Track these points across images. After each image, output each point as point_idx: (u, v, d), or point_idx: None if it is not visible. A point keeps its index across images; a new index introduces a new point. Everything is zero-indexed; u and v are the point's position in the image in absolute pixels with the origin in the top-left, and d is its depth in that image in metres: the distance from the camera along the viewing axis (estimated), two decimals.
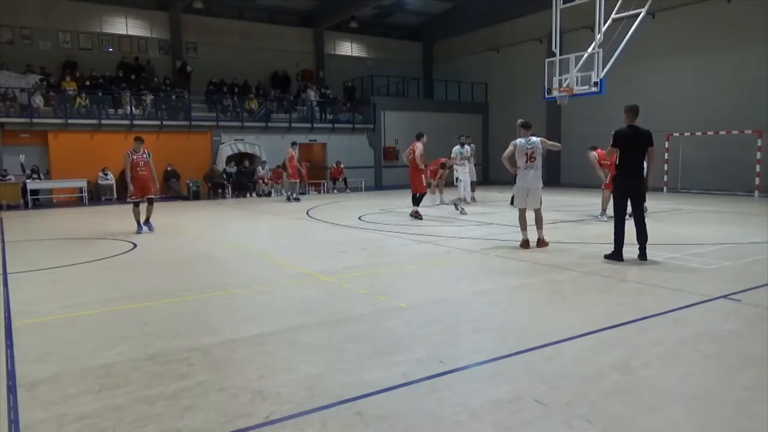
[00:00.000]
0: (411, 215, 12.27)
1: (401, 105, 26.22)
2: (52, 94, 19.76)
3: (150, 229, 10.90)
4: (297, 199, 18.24)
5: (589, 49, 13.89)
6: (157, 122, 20.92)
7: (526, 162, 8.04)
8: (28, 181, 18.20)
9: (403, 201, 16.83)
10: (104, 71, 21.83)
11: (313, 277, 6.62)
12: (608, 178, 10.90)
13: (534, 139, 8.10)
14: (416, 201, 12.39)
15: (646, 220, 7.28)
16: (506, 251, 8.07)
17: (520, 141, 8.14)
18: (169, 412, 3.11)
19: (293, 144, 18.70)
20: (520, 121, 8.72)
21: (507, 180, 23.99)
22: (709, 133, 18.24)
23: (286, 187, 19.07)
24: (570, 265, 7.01)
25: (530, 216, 8.26)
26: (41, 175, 18.75)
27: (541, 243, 8.03)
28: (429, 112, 25.96)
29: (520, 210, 8.34)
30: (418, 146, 12.29)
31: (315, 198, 20.40)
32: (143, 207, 11.01)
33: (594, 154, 11.48)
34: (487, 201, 16.92)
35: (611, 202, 10.94)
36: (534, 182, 8.06)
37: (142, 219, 10.94)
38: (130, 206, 11.03)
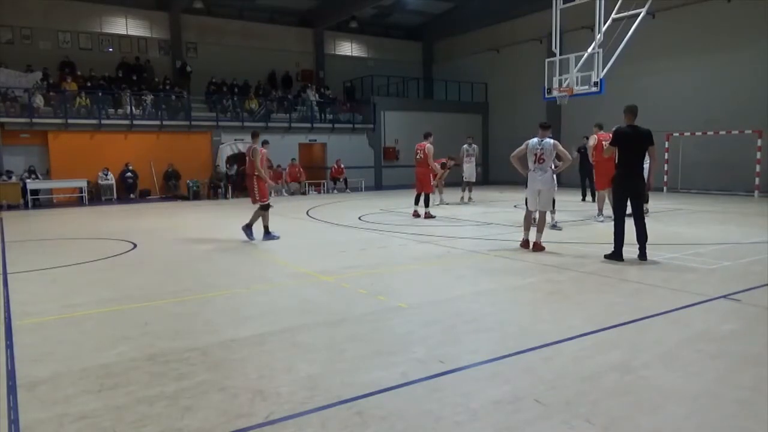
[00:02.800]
0: (425, 216, 12.27)
1: (401, 105, 26.23)
2: (52, 94, 19.78)
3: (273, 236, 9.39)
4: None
5: (589, 49, 13.88)
6: (157, 122, 20.94)
7: (535, 162, 8.01)
8: (28, 181, 18.22)
9: (403, 201, 16.85)
10: (104, 71, 21.83)
11: (313, 277, 6.62)
12: (598, 162, 10.89)
13: (547, 140, 7.99)
14: (426, 201, 12.45)
15: (646, 220, 7.29)
16: (506, 251, 8.07)
17: (532, 141, 8.08)
18: (169, 412, 3.11)
19: (266, 143, 16.12)
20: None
21: (507, 180, 24.06)
22: (709, 133, 18.24)
23: (273, 188, 15.84)
24: (570, 265, 7.01)
25: (535, 217, 8.22)
26: (39, 175, 18.75)
27: (537, 247, 7.97)
28: (429, 112, 25.98)
29: (527, 210, 8.32)
30: (430, 147, 12.31)
31: (315, 198, 20.40)
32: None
33: (594, 137, 11.16)
34: (487, 201, 16.93)
35: (608, 201, 11.01)
36: (544, 183, 7.97)
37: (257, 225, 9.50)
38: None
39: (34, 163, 18.97)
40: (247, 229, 9.44)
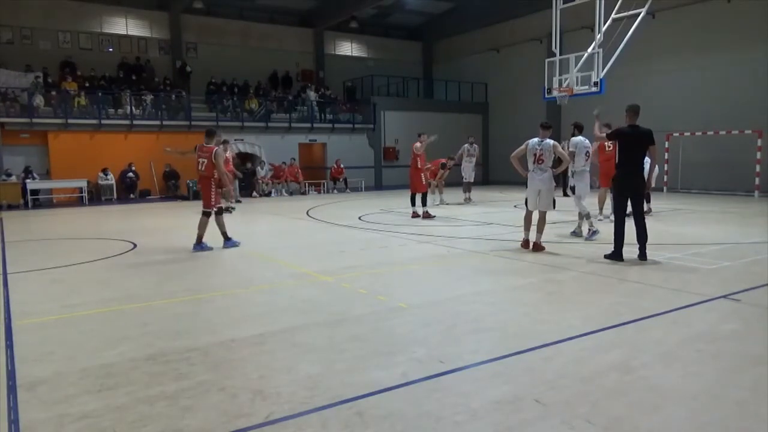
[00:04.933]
0: (424, 216, 12.25)
1: (401, 105, 26.23)
2: (53, 93, 19.78)
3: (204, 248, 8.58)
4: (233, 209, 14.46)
5: (589, 49, 13.88)
6: (157, 122, 20.94)
7: (534, 163, 8.01)
8: (28, 181, 18.21)
9: (403, 201, 16.83)
10: (104, 71, 21.84)
11: (313, 277, 6.62)
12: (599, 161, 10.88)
13: (547, 141, 7.97)
14: (423, 201, 12.42)
15: (647, 220, 7.28)
16: (506, 251, 8.07)
17: (532, 141, 8.06)
18: (169, 412, 3.11)
19: (225, 142, 14.04)
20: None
21: (507, 180, 24.08)
22: (709, 133, 18.24)
23: (227, 195, 13.35)
24: (570, 265, 7.01)
25: (535, 218, 8.21)
26: (36, 175, 18.72)
27: (537, 247, 7.96)
28: (429, 112, 25.98)
29: (527, 210, 8.31)
30: (417, 146, 12.31)
31: (315, 198, 20.41)
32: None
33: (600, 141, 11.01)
34: (487, 201, 16.94)
35: (608, 202, 10.99)
36: (543, 183, 7.97)
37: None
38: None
39: (34, 162, 18.97)
40: (227, 241, 8.76)
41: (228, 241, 8.79)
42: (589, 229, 9.12)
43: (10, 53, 20.61)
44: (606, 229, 8.93)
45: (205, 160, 8.56)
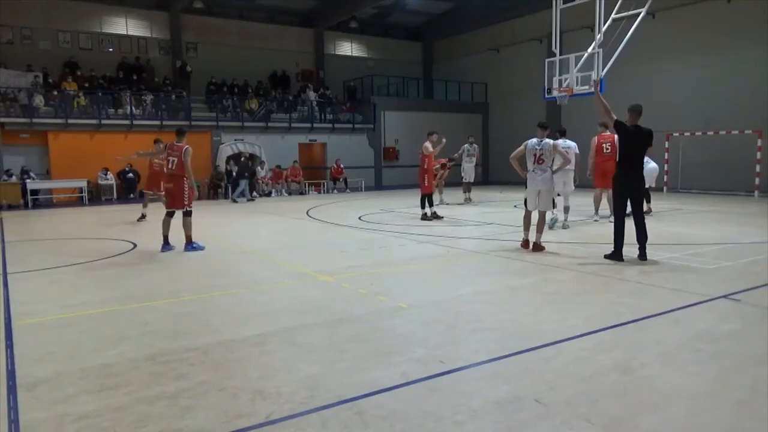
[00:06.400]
0: (421, 218, 12.04)
1: (401, 105, 26.24)
2: (55, 93, 19.78)
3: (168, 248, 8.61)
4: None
5: (589, 49, 13.88)
6: (157, 122, 20.94)
7: (534, 163, 8.00)
8: (28, 181, 18.21)
9: (403, 201, 16.86)
10: (104, 71, 21.85)
11: (313, 277, 6.62)
12: (591, 170, 10.98)
13: (547, 141, 7.98)
14: (422, 202, 12.15)
15: (647, 220, 7.28)
16: (506, 251, 8.07)
17: (531, 141, 8.07)
18: (169, 412, 3.11)
19: (157, 141, 12.27)
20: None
21: (507, 180, 24.07)
22: (709, 133, 18.25)
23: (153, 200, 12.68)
24: (570, 265, 7.01)
25: (535, 217, 8.21)
26: (33, 175, 18.70)
27: (537, 247, 7.95)
28: (429, 112, 25.99)
29: (527, 210, 8.31)
30: (426, 146, 12.11)
31: (315, 198, 20.41)
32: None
33: (595, 140, 10.94)
34: (487, 201, 16.93)
35: (603, 201, 11.01)
36: (544, 183, 7.98)
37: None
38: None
39: (34, 162, 18.98)
40: (189, 244, 8.54)
41: (190, 245, 8.55)
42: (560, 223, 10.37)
43: (10, 53, 20.63)
44: (605, 230, 8.93)
45: (176, 159, 8.61)
